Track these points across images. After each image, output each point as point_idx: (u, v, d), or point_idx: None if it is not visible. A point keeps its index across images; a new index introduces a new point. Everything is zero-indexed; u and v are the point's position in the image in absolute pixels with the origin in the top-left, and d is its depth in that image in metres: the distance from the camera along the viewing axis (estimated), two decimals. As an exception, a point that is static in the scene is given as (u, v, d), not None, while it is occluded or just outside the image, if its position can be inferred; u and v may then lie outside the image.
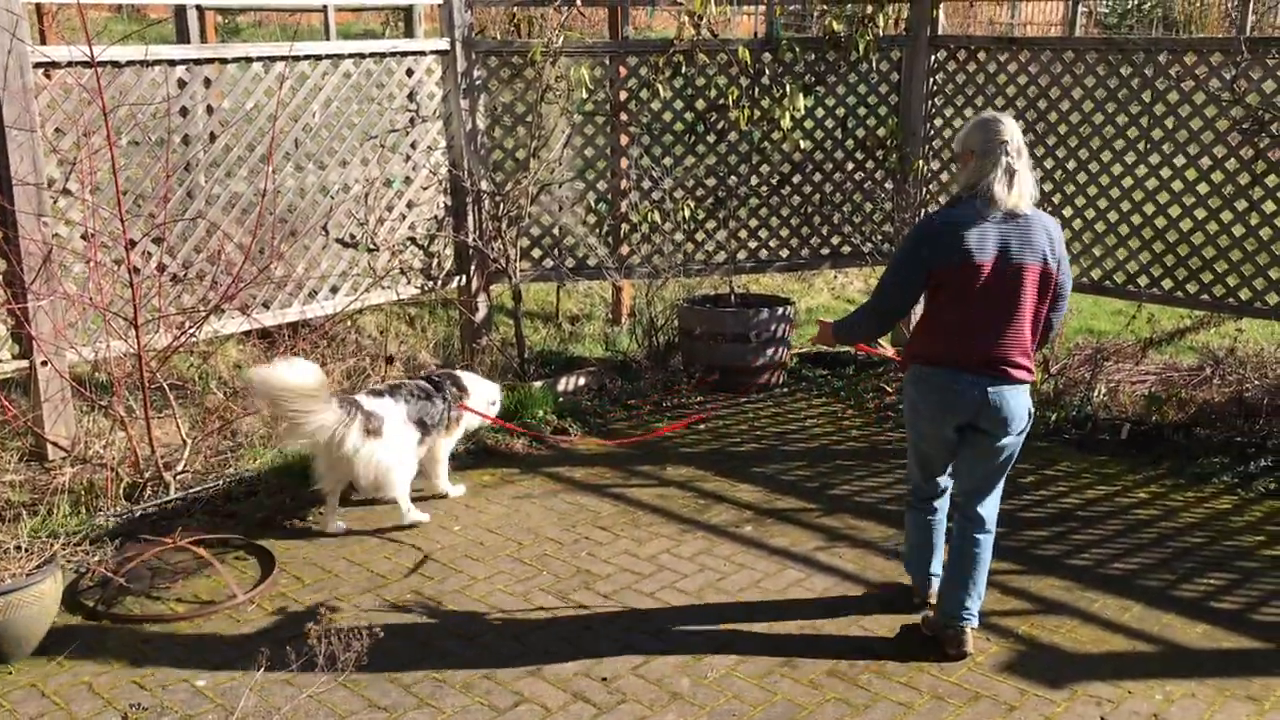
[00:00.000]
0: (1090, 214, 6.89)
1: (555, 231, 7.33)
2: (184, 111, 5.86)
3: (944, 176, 7.48)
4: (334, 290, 6.58)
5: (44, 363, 5.33)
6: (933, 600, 4.22)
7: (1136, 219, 6.74)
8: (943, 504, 4.27)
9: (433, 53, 6.77)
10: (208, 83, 5.96)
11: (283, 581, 4.64)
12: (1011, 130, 3.72)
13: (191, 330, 5.37)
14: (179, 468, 5.17)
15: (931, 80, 7.40)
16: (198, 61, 5.86)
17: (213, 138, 6.09)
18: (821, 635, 4.21)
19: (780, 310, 7.08)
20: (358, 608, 4.42)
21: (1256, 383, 6.51)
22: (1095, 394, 6.52)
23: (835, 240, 7.71)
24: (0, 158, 5.16)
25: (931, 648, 4.07)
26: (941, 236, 3.73)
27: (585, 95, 7.03)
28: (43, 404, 5.36)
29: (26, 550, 4.15)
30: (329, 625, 3.90)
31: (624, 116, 7.26)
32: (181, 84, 5.81)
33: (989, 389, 3.81)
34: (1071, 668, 4.00)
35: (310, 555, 4.88)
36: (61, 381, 5.37)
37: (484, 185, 7.00)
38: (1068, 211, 6.96)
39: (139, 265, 5.49)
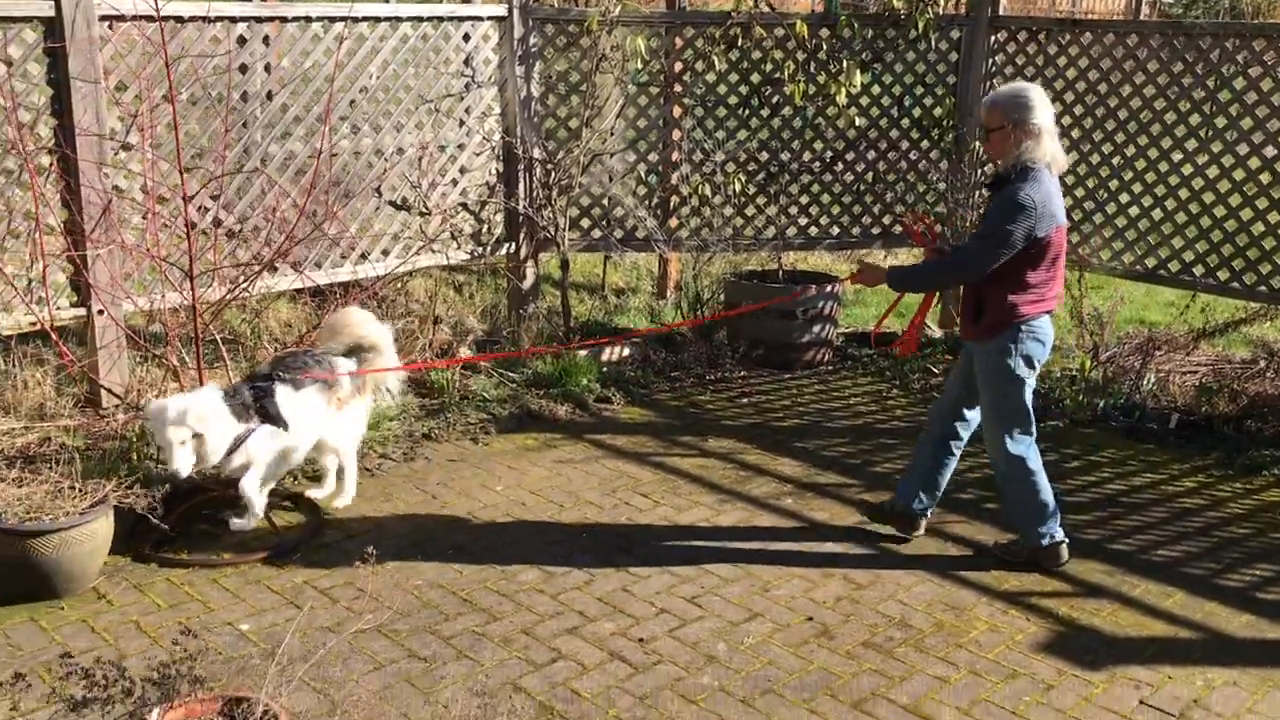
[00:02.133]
0: (1147, 201, 6.79)
1: (605, 202, 7.34)
2: (243, 69, 5.92)
3: (999, 158, 7.39)
4: (385, 253, 6.64)
5: (100, 311, 5.42)
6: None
7: (1195, 207, 6.63)
8: None
9: (490, 18, 6.79)
10: (267, 41, 6.03)
11: (328, 531, 4.72)
12: None
13: (245, 285, 5.44)
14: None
15: (991, 61, 7.32)
16: (259, 19, 5.92)
17: (270, 96, 6.15)
18: (859, 607, 4.22)
19: (828, 288, 7.06)
20: (401, 560, 4.47)
21: (1312, 377, 6.40)
22: (1144, 383, 6.44)
23: (887, 220, 7.66)
24: (65, 108, 5.25)
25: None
26: (1045, 208, 4.07)
27: (640, 66, 7.02)
28: (98, 351, 5.46)
29: (80, 491, 4.25)
30: (372, 574, 3.96)
31: (678, 88, 7.25)
32: (242, 41, 5.87)
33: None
34: (1111, 650, 3.97)
35: (356, 508, 4.95)
36: (117, 330, 5.46)
37: (536, 153, 7.02)
38: (1124, 198, 6.86)
39: (195, 219, 5.56)
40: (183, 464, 4.32)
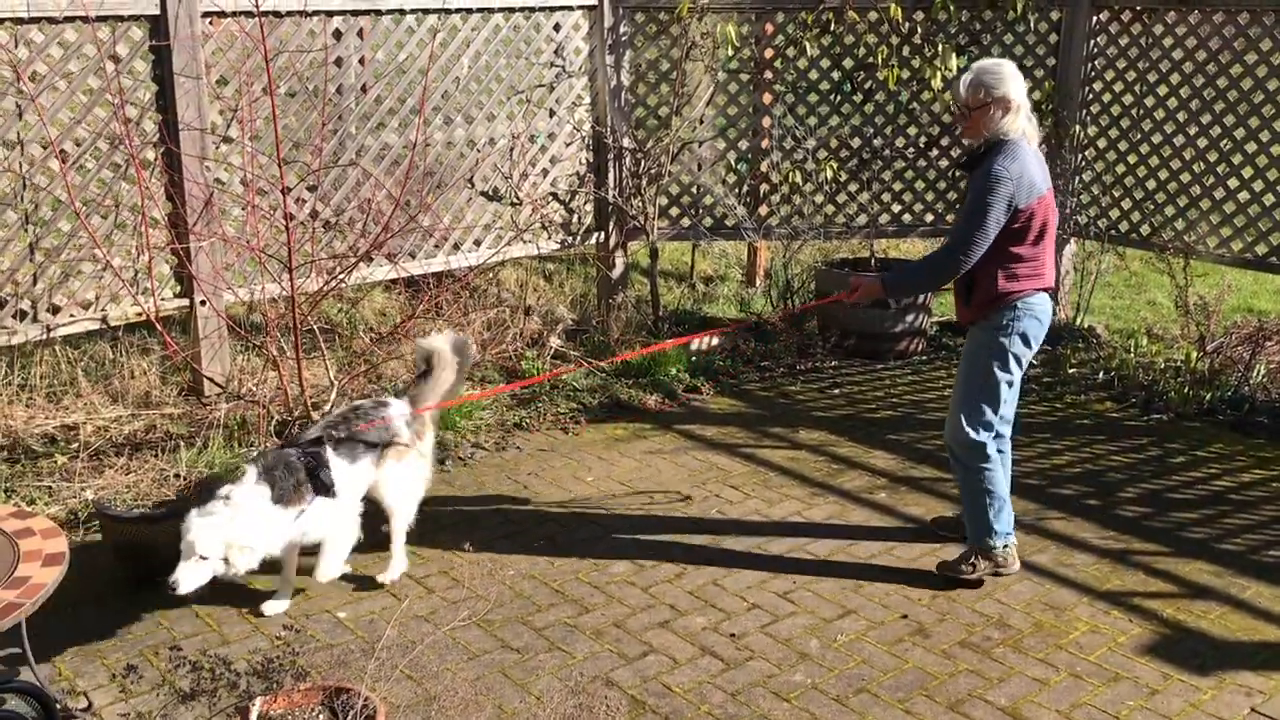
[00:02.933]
0: (1258, 185, 6.53)
1: (694, 190, 7.31)
2: (339, 62, 6.01)
3: (1101, 143, 7.18)
4: (477, 243, 6.69)
5: (203, 302, 5.56)
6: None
7: (1310, 191, 6.37)
8: None
9: (580, 8, 6.78)
10: (362, 34, 6.10)
11: (422, 521, 4.78)
12: None
13: (341, 276, 5.53)
14: (326, 407, 5.35)
15: (1092, 42, 7.10)
16: (354, 13, 5.99)
17: (364, 89, 6.23)
18: (955, 605, 4.14)
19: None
20: (492, 550, 4.51)
21: None
22: (1254, 375, 6.20)
23: (982, 206, 7.48)
24: (169, 103, 5.38)
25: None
26: (1022, 178, 3.96)
27: (730, 53, 6.96)
28: (200, 341, 5.60)
29: (185, 479, 4.36)
30: (469, 563, 4.01)
31: (768, 74, 7.17)
32: (338, 35, 5.95)
33: (1053, 304, 4.19)
34: (1219, 655, 3.84)
35: (447, 496, 5.01)
36: (218, 320, 5.60)
37: (626, 142, 7.01)
38: (1233, 183, 6.62)
39: (294, 211, 5.67)
40: (191, 584, 3.58)
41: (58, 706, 2.30)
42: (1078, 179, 7.19)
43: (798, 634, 3.95)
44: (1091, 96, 7.16)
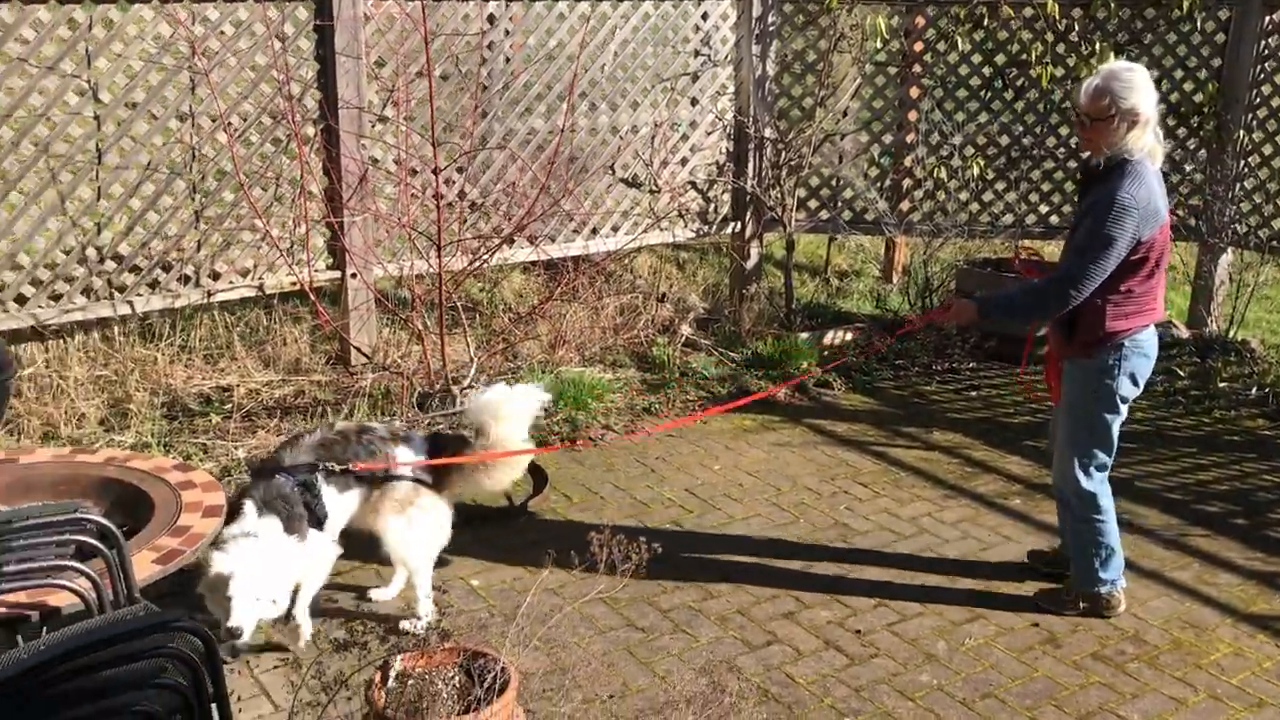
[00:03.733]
0: None
1: (834, 182, 7.25)
2: (491, 47, 6.15)
3: (1267, 149, 6.87)
4: (614, 229, 6.77)
5: (354, 275, 5.77)
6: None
7: None
8: None
9: (729, -3, 6.80)
10: (514, 20, 6.23)
11: (553, 497, 4.88)
12: None
13: (486, 256, 5.66)
14: (465, 382, 5.49)
15: (1264, 44, 6.79)
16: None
17: (514, 74, 6.36)
18: (1089, 617, 4.04)
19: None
20: (620, 530, 4.57)
21: None
22: None
23: (1134, 211, 7.24)
24: (329, 82, 5.59)
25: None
26: (1148, 207, 3.63)
27: (879, 45, 6.88)
28: (350, 313, 5.81)
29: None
30: (605, 539, 4.07)
31: (917, 69, 7.07)
32: (491, 20, 6.09)
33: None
34: (1373, 688, 3.67)
35: (579, 476, 5.10)
36: (368, 293, 5.80)
37: (767, 132, 7.00)
38: None
39: (443, 191, 5.83)
40: (252, 626, 3.28)
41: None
42: (1239, 186, 6.90)
43: (925, 635, 3.91)
44: (1259, 100, 6.85)
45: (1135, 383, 3.84)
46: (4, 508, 3.31)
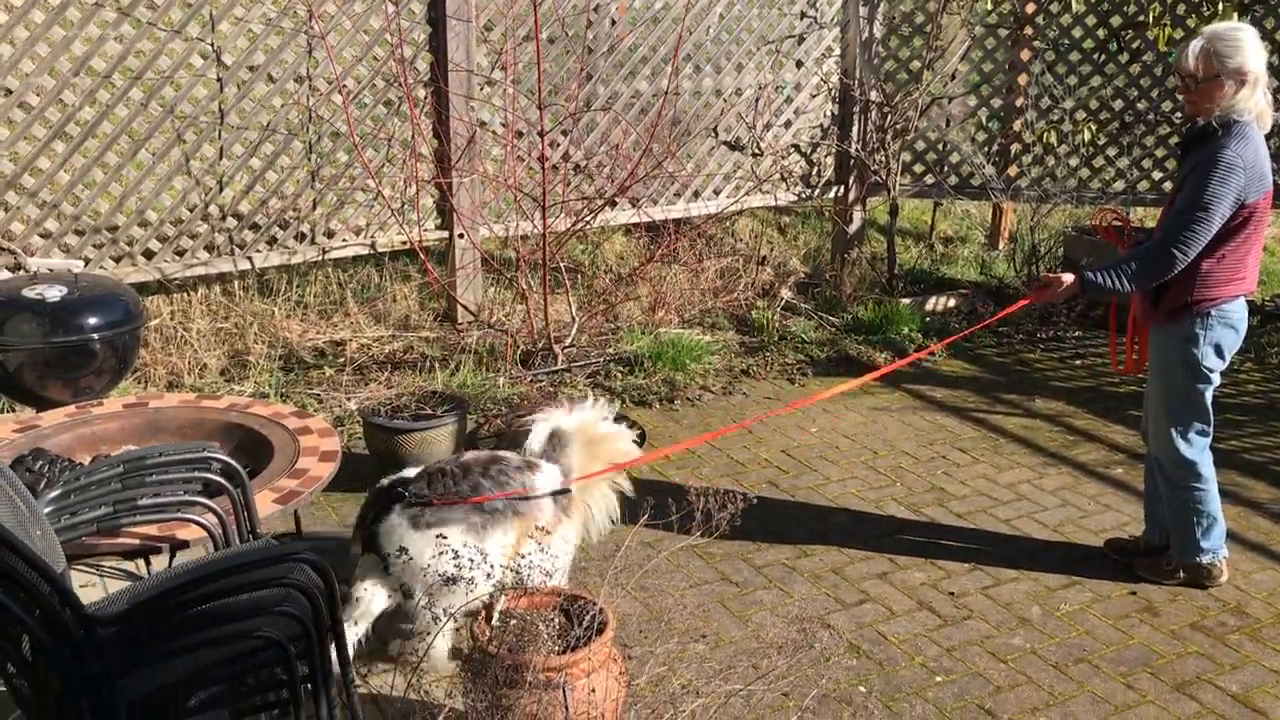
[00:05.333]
0: None
1: (940, 147, 7.17)
2: (597, 9, 6.21)
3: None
4: (716, 192, 6.81)
5: (461, 235, 5.92)
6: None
7: None
8: None
9: (837, -42, 6.74)
10: (622, -18, 6.28)
11: (651, 453, 4.97)
12: None
13: (590, 218, 5.75)
14: (567, 342, 5.61)
15: (1399, 2, 6.50)
16: (615, -39, 6.17)
17: (620, 37, 6.41)
18: (1189, 588, 3.99)
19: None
20: (717, 488, 4.65)
21: None
22: None
23: (1254, 177, 7.02)
24: (440, 44, 5.72)
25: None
26: (1254, 168, 3.55)
27: (990, 7, 6.76)
28: (457, 272, 5.97)
29: (439, 395, 4.70)
30: (697, 496, 4.15)
31: (1029, 30, 6.93)
32: (599, -17, 6.14)
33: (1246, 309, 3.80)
34: None
35: (676, 435, 5.18)
36: (474, 253, 5.94)
37: (873, 95, 6.94)
38: None
39: (548, 154, 5.93)
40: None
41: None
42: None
43: (1019, 599, 3.92)
44: (1393, 62, 6.56)
45: (1220, 354, 3.76)
46: (136, 447, 3.53)
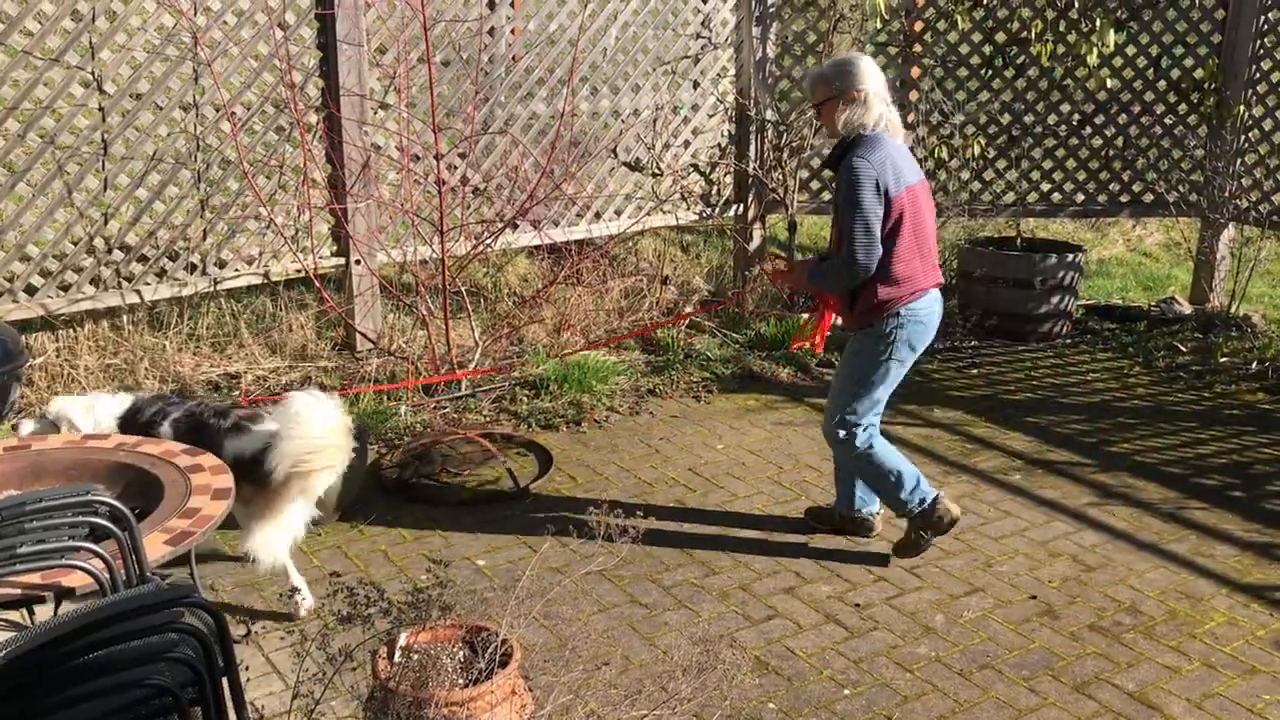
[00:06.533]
0: None
1: (837, 164, 7.28)
2: (492, 32, 6.19)
3: (1267, 124, 6.88)
4: (618, 212, 6.82)
5: (358, 261, 5.83)
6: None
7: None
8: None
9: (729, -21, 6.82)
10: (514, 4, 6.26)
11: (557, 479, 4.94)
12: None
13: (489, 241, 5.72)
14: (470, 367, 5.56)
15: (1263, 19, 6.80)
16: (508, -16, 6.15)
17: (515, 59, 6.40)
18: (1086, 589, 4.09)
19: (1070, 258, 6.78)
20: (624, 510, 4.63)
21: None
22: None
23: (1137, 187, 7.28)
24: (331, 69, 5.64)
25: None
26: (886, 165, 3.86)
27: (879, 25, 6.90)
28: (355, 299, 5.88)
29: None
30: (600, 521, 4.13)
31: (918, 48, 7.09)
32: (492, 4, 6.13)
33: (940, 300, 4.11)
34: (1367, 656, 3.72)
35: (583, 458, 5.16)
36: (372, 280, 5.86)
37: (769, 114, 7.03)
38: None
39: (445, 177, 5.88)
40: None
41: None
42: (1239, 161, 6.91)
43: (923, 608, 3.97)
44: (1259, 75, 6.86)
45: (913, 348, 4.08)
46: (17, 492, 3.38)
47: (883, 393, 4.15)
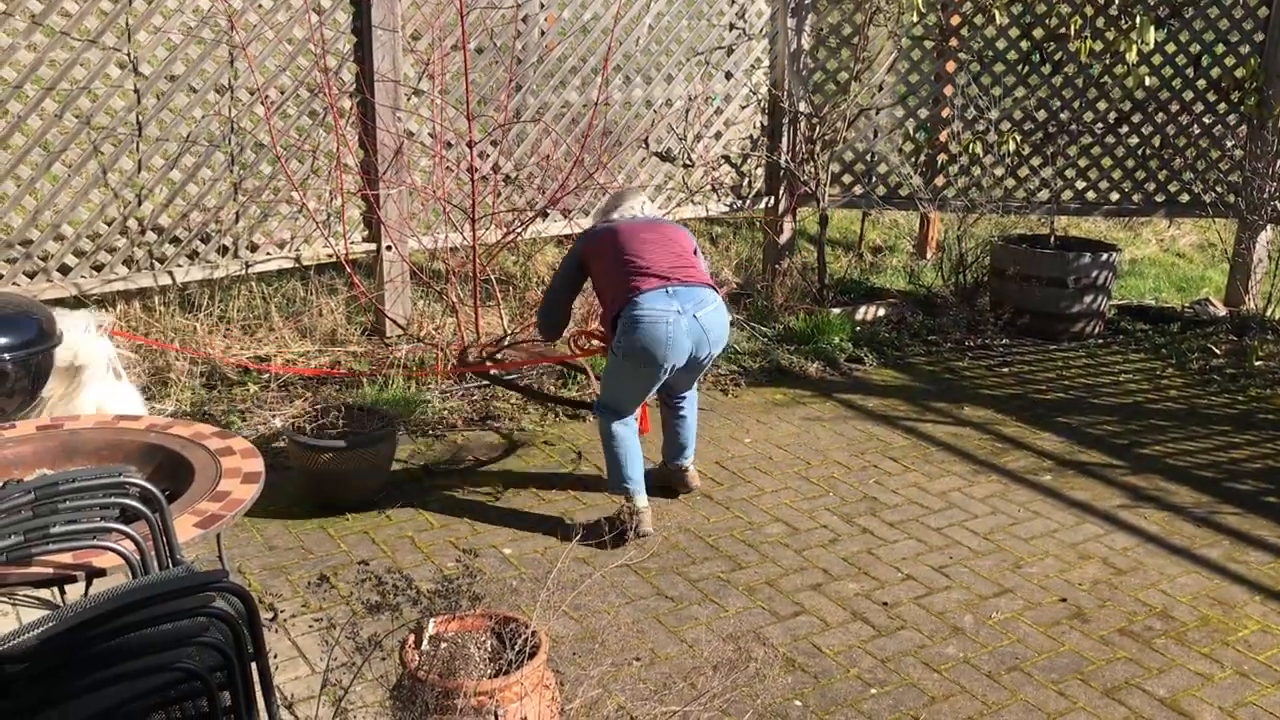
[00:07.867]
0: None
1: (869, 157, 7.23)
2: (526, 20, 6.16)
3: (1309, 124, 6.78)
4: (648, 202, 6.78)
5: (389, 247, 5.83)
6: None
7: None
8: None
9: (765, -30, 6.77)
10: (550, -7, 6.24)
11: (583, 469, 4.93)
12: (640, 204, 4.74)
13: (520, 229, 5.70)
14: (499, 355, 5.54)
15: (1307, 16, 6.69)
16: (543, -28, 6.13)
17: (549, 48, 6.38)
18: (1117, 593, 4.05)
19: (1104, 256, 6.71)
20: (650, 500, 4.62)
21: None
22: None
23: (1173, 187, 7.19)
24: (366, 54, 5.63)
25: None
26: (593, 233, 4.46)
27: (916, 19, 6.84)
28: (385, 285, 5.88)
29: (369, 411, 4.61)
30: (629, 512, 4.12)
31: (954, 42, 7.02)
32: (527, -7, 6.10)
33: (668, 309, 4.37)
34: (1403, 668, 3.66)
35: (609, 449, 5.14)
36: (403, 266, 5.86)
37: (802, 106, 6.98)
38: None
39: (478, 165, 5.87)
40: None
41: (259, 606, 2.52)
42: (1279, 163, 6.81)
43: (952, 608, 3.94)
44: (1302, 75, 6.76)
45: (650, 358, 4.24)
46: (50, 471, 3.40)
47: (627, 391, 4.41)
